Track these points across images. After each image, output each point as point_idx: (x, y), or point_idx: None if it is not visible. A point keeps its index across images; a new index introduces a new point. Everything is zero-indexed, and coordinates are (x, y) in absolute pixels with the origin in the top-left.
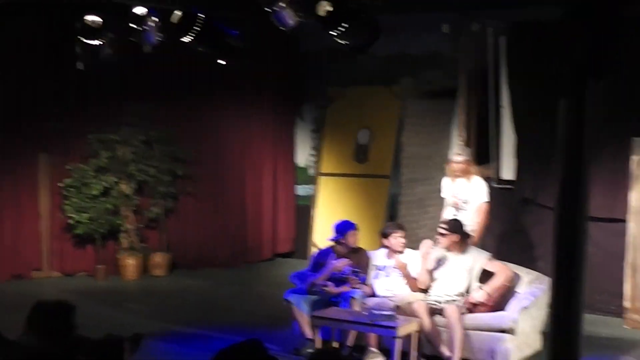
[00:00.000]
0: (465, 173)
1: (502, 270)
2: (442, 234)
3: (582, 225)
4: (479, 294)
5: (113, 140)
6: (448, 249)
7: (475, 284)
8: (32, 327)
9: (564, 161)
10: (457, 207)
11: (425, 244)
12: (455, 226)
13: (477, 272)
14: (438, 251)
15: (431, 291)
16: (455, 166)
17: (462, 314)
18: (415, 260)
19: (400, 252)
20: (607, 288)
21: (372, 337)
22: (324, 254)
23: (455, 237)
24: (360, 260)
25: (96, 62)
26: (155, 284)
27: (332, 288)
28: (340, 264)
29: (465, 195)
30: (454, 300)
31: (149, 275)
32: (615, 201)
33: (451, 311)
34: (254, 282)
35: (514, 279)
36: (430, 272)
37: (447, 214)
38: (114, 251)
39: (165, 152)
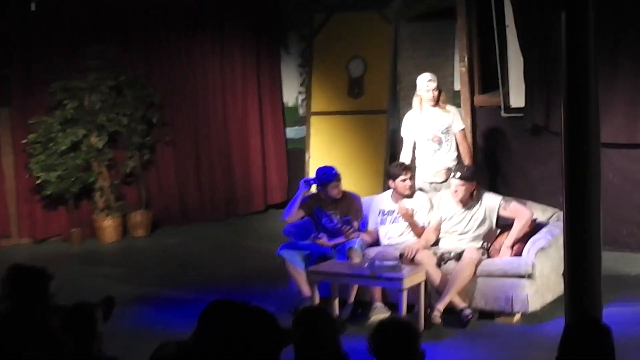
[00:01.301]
0: (438, 101)
1: (520, 215)
2: (459, 185)
3: (593, 150)
4: (503, 253)
5: (78, 88)
6: (463, 201)
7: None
8: (6, 291)
9: (568, 80)
10: (438, 141)
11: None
12: (470, 173)
13: (493, 220)
14: (446, 205)
15: (442, 243)
16: (428, 94)
17: (480, 261)
18: (425, 204)
19: (407, 196)
20: (635, 220)
21: (376, 291)
22: (309, 202)
23: (472, 186)
24: (349, 207)
25: (52, 1)
26: (136, 246)
27: (324, 240)
28: (322, 241)
29: (444, 125)
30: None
31: (129, 237)
32: (636, 124)
33: (469, 253)
34: (245, 237)
35: (534, 220)
36: (436, 229)
37: (424, 151)
38: (88, 212)
39: (138, 97)
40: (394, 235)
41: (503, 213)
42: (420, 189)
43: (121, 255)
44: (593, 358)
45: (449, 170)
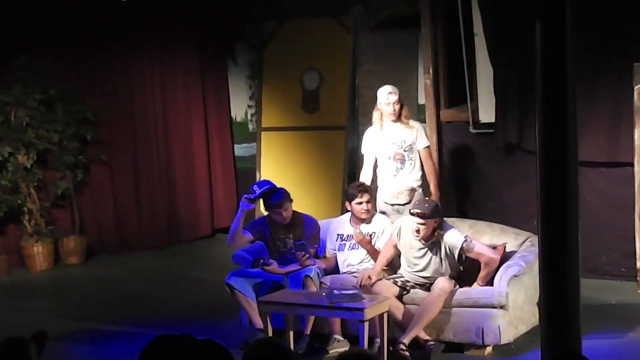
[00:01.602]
0: (400, 116)
1: (484, 259)
2: (420, 224)
3: (571, 170)
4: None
5: (3, 102)
6: (424, 239)
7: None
8: None
9: (543, 94)
10: (401, 159)
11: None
12: (431, 211)
13: (455, 257)
14: (406, 235)
15: (403, 271)
16: (389, 108)
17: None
18: (386, 228)
19: (364, 220)
20: (615, 247)
21: (335, 322)
22: (261, 223)
23: (434, 223)
24: (304, 231)
25: None
26: (69, 275)
27: (274, 267)
28: (271, 268)
29: (407, 142)
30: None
31: (61, 265)
32: (618, 141)
33: (441, 283)
34: (190, 265)
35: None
36: (394, 245)
37: (385, 171)
38: (16, 238)
39: (69, 113)
40: (353, 262)
41: (468, 255)
42: (382, 212)
43: (53, 286)
44: None
45: (412, 191)
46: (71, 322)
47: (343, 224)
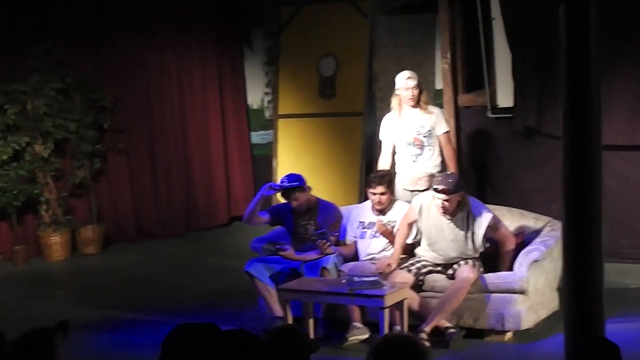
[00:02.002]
0: (419, 101)
1: (507, 243)
2: (445, 200)
3: (595, 154)
4: None
5: (20, 91)
6: (450, 214)
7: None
8: None
9: (568, 79)
10: (420, 145)
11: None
12: (453, 185)
13: (481, 234)
14: (428, 211)
15: (422, 251)
16: (408, 93)
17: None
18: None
19: (380, 211)
20: (635, 230)
21: (354, 310)
22: (283, 209)
23: (458, 197)
24: (325, 217)
25: None
26: (87, 264)
27: (291, 253)
28: (287, 254)
29: (427, 128)
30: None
31: (79, 254)
32: (638, 124)
33: (465, 273)
34: (208, 253)
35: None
36: (409, 224)
37: (405, 157)
38: (34, 228)
39: (86, 101)
40: (374, 250)
41: (490, 235)
42: (402, 199)
43: (71, 276)
44: None
45: (431, 177)
46: (91, 311)
47: (365, 211)
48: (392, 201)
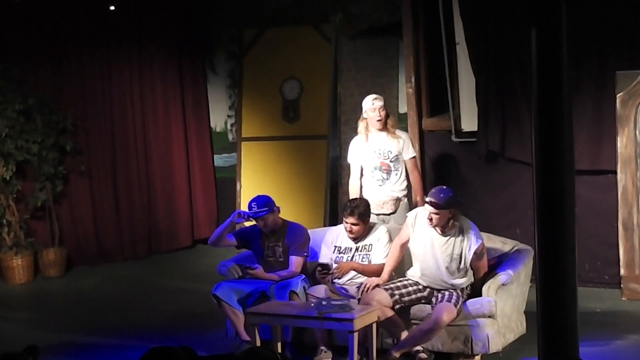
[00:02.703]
0: (386, 124)
1: (482, 273)
2: (433, 213)
3: (568, 180)
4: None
5: None
6: (439, 228)
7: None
8: None
9: (540, 103)
10: (387, 170)
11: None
12: (447, 200)
13: (468, 259)
14: (422, 225)
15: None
16: (375, 115)
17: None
18: (382, 237)
19: (354, 239)
20: (598, 254)
21: (321, 333)
22: (249, 233)
23: (449, 214)
24: (293, 239)
25: None
26: (49, 287)
27: (260, 271)
28: (256, 272)
29: (394, 152)
30: (449, 291)
31: (41, 277)
32: (600, 149)
33: (447, 313)
34: (171, 275)
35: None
36: (403, 245)
37: (371, 181)
38: None
39: (48, 123)
40: (351, 274)
41: (472, 262)
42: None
43: (33, 298)
44: None
45: (397, 200)
46: (53, 335)
47: (340, 235)
48: (368, 228)
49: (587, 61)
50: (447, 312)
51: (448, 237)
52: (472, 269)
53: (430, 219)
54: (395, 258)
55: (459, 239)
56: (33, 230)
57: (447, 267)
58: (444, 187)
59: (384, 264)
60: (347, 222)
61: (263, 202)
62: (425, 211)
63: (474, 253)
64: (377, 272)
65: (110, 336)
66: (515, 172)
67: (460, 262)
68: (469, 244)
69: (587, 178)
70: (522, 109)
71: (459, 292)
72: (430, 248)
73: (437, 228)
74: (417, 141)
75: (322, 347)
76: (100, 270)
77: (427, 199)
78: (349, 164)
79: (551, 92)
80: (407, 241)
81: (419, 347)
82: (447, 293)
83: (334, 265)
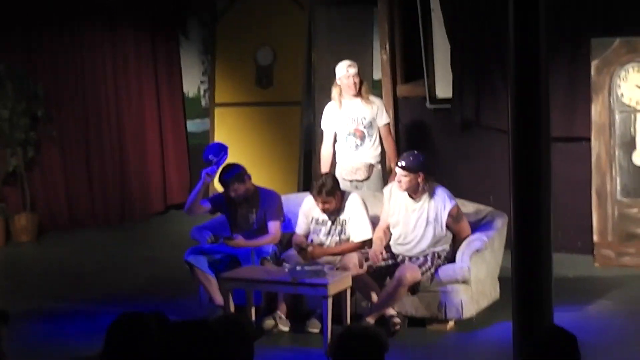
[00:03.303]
0: (360, 91)
1: (464, 235)
2: (403, 176)
3: (544, 147)
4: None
5: None
6: (410, 192)
7: (443, 234)
8: None
9: (516, 70)
10: (360, 136)
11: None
12: (417, 164)
13: (443, 222)
14: (397, 197)
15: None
16: (349, 81)
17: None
18: (357, 209)
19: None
20: (571, 222)
21: (283, 299)
22: (221, 199)
23: (417, 177)
24: (266, 205)
25: None
26: (21, 253)
27: (240, 240)
28: (237, 242)
29: (367, 119)
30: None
31: (12, 243)
32: (575, 116)
33: (402, 272)
34: (144, 242)
35: None
36: (387, 227)
37: (345, 147)
38: None
39: (19, 89)
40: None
41: (449, 225)
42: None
43: (5, 264)
44: None
45: (370, 167)
46: (25, 301)
47: (316, 208)
48: (342, 197)
49: (562, 28)
50: (409, 271)
51: (421, 203)
52: (452, 232)
53: (400, 181)
54: (381, 242)
55: (432, 203)
56: (4, 196)
57: (423, 234)
58: (415, 152)
59: (358, 243)
60: (318, 202)
61: (215, 149)
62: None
63: (449, 215)
64: (350, 251)
65: (82, 302)
66: (490, 140)
67: (437, 227)
68: (443, 206)
69: (561, 146)
70: (496, 76)
71: (430, 258)
72: (404, 215)
73: (409, 194)
74: (392, 108)
75: (279, 313)
76: (72, 237)
77: (398, 163)
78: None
79: (527, 59)
80: (387, 222)
81: (392, 312)
82: (414, 258)
83: (310, 240)
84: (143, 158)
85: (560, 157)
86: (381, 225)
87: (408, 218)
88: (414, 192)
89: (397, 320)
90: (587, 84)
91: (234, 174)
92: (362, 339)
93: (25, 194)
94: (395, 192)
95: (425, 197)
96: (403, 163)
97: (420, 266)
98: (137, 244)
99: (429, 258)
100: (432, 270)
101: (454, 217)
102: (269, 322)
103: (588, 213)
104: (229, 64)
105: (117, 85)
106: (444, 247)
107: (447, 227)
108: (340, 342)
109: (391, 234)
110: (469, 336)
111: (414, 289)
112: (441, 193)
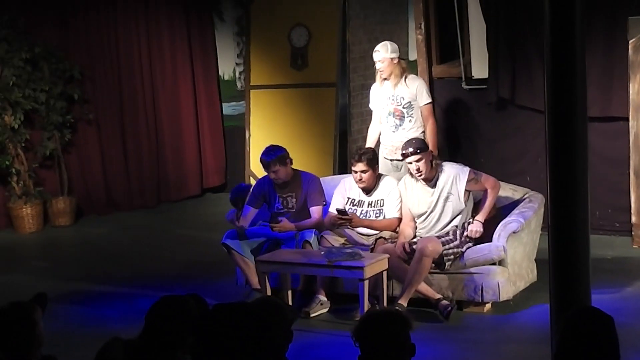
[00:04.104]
0: (393, 72)
1: (492, 184)
2: (416, 161)
3: (581, 126)
4: (476, 227)
5: None
6: (428, 177)
7: (462, 206)
8: None
9: (552, 50)
10: (399, 116)
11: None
12: (421, 142)
13: (461, 193)
14: (411, 187)
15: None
16: (377, 66)
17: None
18: (392, 191)
19: (364, 190)
20: (609, 202)
21: (322, 282)
22: (263, 184)
23: (429, 156)
24: (308, 189)
25: None
26: (59, 236)
27: (285, 223)
28: (282, 225)
29: (406, 99)
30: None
31: (50, 226)
32: (612, 95)
33: (421, 244)
34: (181, 224)
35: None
36: (410, 220)
37: (386, 127)
38: (4, 199)
39: (55, 71)
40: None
41: (473, 187)
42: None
43: (43, 247)
44: (598, 351)
45: None
46: (64, 283)
47: (353, 187)
48: (378, 178)
49: (599, 7)
50: (429, 242)
51: (436, 185)
52: (480, 190)
53: (418, 169)
54: (407, 236)
55: (446, 179)
56: (42, 179)
57: (442, 210)
58: (410, 137)
59: (394, 219)
60: (355, 171)
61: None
62: (408, 175)
63: (468, 181)
64: (387, 227)
65: (119, 285)
66: (526, 119)
67: (455, 200)
68: (458, 176)
69: (598, 125)
70: (532, 56)
71: (451, 231)
72: (423, 201)
73: (424, 180)
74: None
75: (320, 297)
76: (109, 219)
77: (404, 152)
78: (358, 112)
79: (563, 38)
80: (410, 215)
81: (438, 296)
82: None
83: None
84: (179, 141)
85: (598, 136)
86: (405, 219)
87: (426, 201)
88: (429, 175)
89: (445, 302)
90: (625, 63)
91: (277, 155)
92: (384, 321)
93: (63, 177)
94: (410, 185)
95: (438, 177)
96: (410, 149)
97: (439, 237)
98: (173, 226)
99: (450, 232)
100: (457, 242)
101: (474, 179)
102: (313, 307)
103: (626, 193)
104: (264, 45)
105: (152, 68)
106: (464, 219)
107: (471, 190)
108: (364, 325)
109: (416, 226)
110: (506, 318)
111: (440, 263)
112: (451, 167)
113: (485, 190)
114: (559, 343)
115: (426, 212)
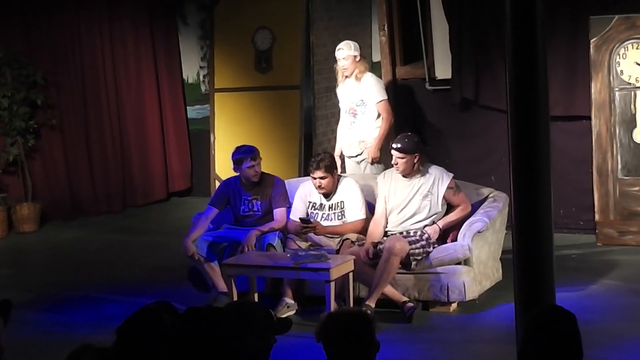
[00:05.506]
0: (352, 71)
1: (465, 206)
2: (399, 158)
3: (544, 126)
4: (433, 230)
5: None
6: (405, 174)
7: (439, 209)
8: None
9: (515, 50)
10: (353, 113)
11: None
12: (413, 145)
13: (439, 196)
14: (391, 180)
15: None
16: (340, 64)
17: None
18: (353, 191)
19: (324, 195)
20: (573, 200)
21: (288, 284)
22: (229, 185)
23: (413, 159)
24: (276, 190)
25: None
26: (24, 242)
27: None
28: (249, 240)
29: (358, 97)
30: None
31: (15, 232)
32: (575, 95)
33: (389, 243)
34: (147, 229)
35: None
36: (382, 217)
37: (343, 124)
38: None
39: (19, 77)
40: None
41: (450, 197)
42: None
43: (8, 254)
44: (561, 349)
45: (361, 142)
46: (29, 290)
47: (312, 190)
48: (337, 180)
49: (560, 7)
50: (397, 241)
51: (414, 179)
52: (453, 204)
53: (396, 164)
54: (377, 233)
55: (428, 178)
56: (5, 185)
57: (419, 207)
58: (409, 133)
59: (358, 220)
60: (315, 178)
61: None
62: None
63: (449, 188)
64: (352, 230)
65: (86, 291)
66: (490, 120)
67: (433, 200)
68: (441, 179)
69: (561, 124)
70: (496, 56)
71: (419, 233)
72: (400, 193)
73: (403, 176)
74: (391, 90)
75: (287, 300)
76: (74, 225)
77: (393, 145)
78: (323, 114)
79: (525, 38)
80: (384, 212)
81: (404, 298)
82: (404, 233)
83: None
84: (144, 145)
85: (561, 135)
86: (376, 217)
87: (403, 194)
88: (408, 174)
89: (410, 304)
90: (587, 62)
91: (254, 150)
92: (346, 321)
93: (27, 183)
94: (389, 175)
95: (419, 175)
96: (399, 145)
97: (405, 237)
98: (140, 231)
99: (417, 232)
100: (424, 243)
101: (454, 188)
102: (280, 309)
103: (590, 192)
104: (228, 49)
105: (116, 72)
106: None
107: (447, 199)
108: (325, 326)
109: (386, 224)
110: (472, 318)
111: (407, 264)
112: (436, 169)
113: (456, 206)
114: (522, 341)
115: (401, 204)
